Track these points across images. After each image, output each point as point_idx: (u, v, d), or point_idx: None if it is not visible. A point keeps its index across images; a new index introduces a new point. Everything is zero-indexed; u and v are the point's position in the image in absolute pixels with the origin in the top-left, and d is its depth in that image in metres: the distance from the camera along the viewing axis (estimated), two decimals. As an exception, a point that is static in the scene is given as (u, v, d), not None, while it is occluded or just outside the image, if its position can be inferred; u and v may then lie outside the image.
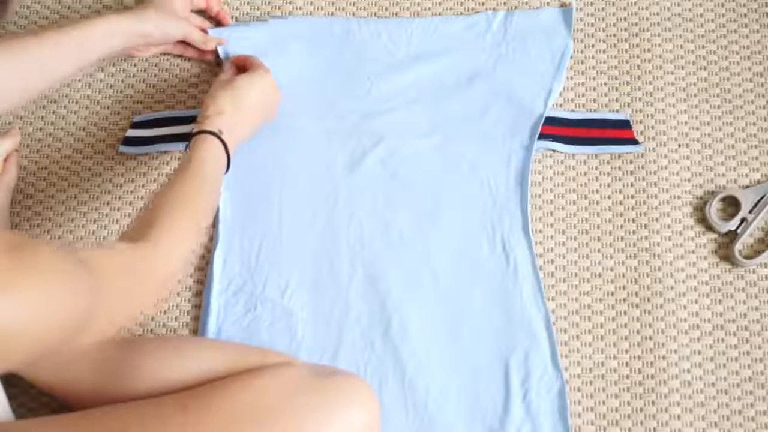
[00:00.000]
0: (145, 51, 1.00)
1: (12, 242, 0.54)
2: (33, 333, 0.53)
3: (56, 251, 0.57)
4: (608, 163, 0.97)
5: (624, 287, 0.93)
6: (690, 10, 1.04)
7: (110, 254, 0.65)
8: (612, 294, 0.93)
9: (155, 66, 1.03)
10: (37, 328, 0.53)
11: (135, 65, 1.04)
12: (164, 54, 1.03)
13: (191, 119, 1.00)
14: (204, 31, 1.01)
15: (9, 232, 0.57)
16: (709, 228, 0.94)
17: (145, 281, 0.69)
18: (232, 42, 1.02)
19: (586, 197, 0.96)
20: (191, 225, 0.76)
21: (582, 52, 1.02)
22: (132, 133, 1.00)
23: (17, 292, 0.52)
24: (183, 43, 1.00)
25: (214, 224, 0.95)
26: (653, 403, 0.89)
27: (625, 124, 0.99)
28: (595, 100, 1.00)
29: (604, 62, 1.02)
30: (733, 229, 0.93)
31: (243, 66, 0.95)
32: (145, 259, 0.69)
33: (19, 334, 0.52)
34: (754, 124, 0.99)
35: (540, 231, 0.95)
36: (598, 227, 0.95)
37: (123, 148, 0.99)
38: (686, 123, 0.99)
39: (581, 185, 0.97)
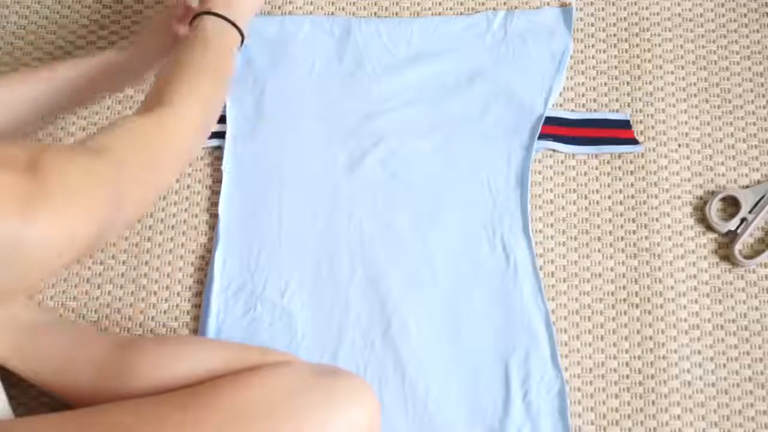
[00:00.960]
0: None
1: (30, 160, 0.54)
2: (62, 245, 0.54)
3: (73, 154, 0.58)
4: (608, 163, 0.97)
5: (624, 287, 0.93)
6: (690, 10, 1.04)
7: (127, 133, 0.65)
8: (612, 294, 0.93)
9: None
10: (65, 241, 0.54)
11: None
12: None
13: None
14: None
15: (25, 147, 0.56)
16: (709, 228, 0.94)
17: (165, 148, 0.68)
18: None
19: (586, 197, 0.96)
20: (206, 87, 0.75)
21: (582, 52, 1.02)
22: (132, 132, 1.00)
23: (38, 215, 0.52)
24: None
25: (215, 224, 0.95)
26: (653, 403, 0.89)
27: (625, 124, 0.99)
28: (595, 100, 1.00)
29: (604, 62, 1.02)
30: (733, 229, 0.94)
31: None
32: (162, 124, 0.68)
33: (48, 250, 0.52)
34: (754, 124, 0.99)
35: (540, 231, 0.95)
36: (598, 227, 0.95)
37: (123, 148, 0.99)
38: (686, 123, 0.99)
39: (581, 185, 0.97)
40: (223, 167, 0.97)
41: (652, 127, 0.99)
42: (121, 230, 0.62)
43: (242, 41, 0.84)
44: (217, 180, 0.97)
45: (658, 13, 1.03)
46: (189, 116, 0.72)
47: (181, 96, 0.71)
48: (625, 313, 0.92)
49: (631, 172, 0.97)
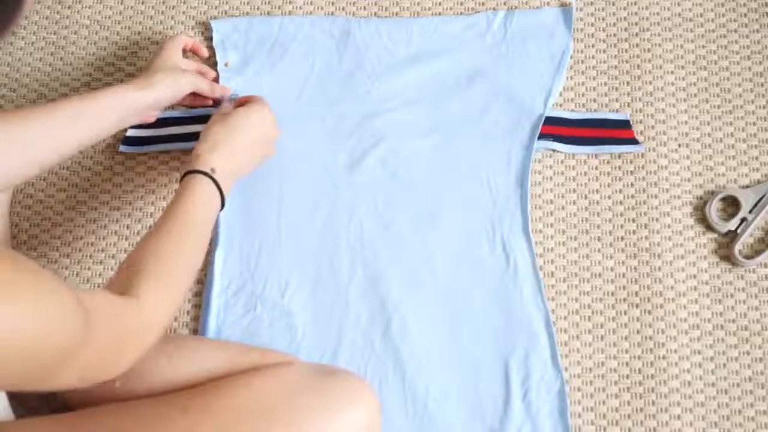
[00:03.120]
0: (155, 112, 0.94)
1: (14, 258, 0.54)
2: (26, 347, 0.52)
3: (55, 275, 0.57)
4: (608, 163, 0.97)
5: (624, 287, 0.93)
6: (690, 10, 1.04)
7: (100, 302, 0.63)
8: (612, 294, 0.93)
9: (155, 66, 1.03)
10: (29, 343, 0.53)
11: (134, 65, 1.04)
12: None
13: (191, 119, 1.00)
14: (201, 73, 0.99)
15: (10, 250, 0.57)
16: (709, 228, 0.94)
17: (128, 338, 0.66)
18: (231, 40, 1.03)
19: (586, 197, 0.96)
20: (177, 281, 0.73)
21: (582, 52, 1.02)
22: (132, 132, 1.00)
23: (19, 302, 0.52)
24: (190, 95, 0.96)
25: (215, 224, 0.95)
26: (653, 403, 0.89)
27: (625, 124, 0.99)
28: (595, 100, 1.00)
29: (604, 62, 1.02)
30: (733, 229, 0.94)
31: (245, 103, 0.92)
32: (130, 316, 0.66)
33: (14, 346, 0.51)
34: (754, 124, 0.99)
35: (540, 231, 0.95)
36: (598, 227, 0.95)
37: (123, 148, 0.99)
38: (686, 123, 0.99)
39: (581, 185, 0.97)
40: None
41: (652, 127, 0.99)
42: (62, 383, 0.60)
43: (222, 206, 0.82)
44: (217, 180, 0.97)
45: (658, 13, 1.03)
46: (155, 319, 0.69)
47: (149, 290, 0.69)
48: (625, 313, 0.92)
49: (631, 172, 0.97)
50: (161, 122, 1.00)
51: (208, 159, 0.82)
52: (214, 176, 0.81)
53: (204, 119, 0.99)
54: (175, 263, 0.74)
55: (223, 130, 0.85)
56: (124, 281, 0.69)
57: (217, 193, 0.81)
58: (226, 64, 1.02)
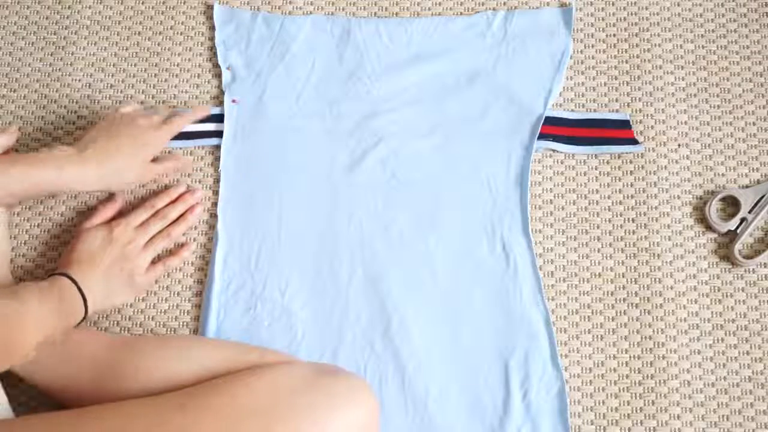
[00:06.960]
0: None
1: None
2: None
3: None
4: (608, 163, 0.97)
5: (624, 287, 0.93)
6: (690, 10, 1.04)
7: None
8: (612, 294, 0.93)
9: (155, 66, 1.03)
10: None
11: (135, 65, 1.04)
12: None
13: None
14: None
15: None
16: (709, 228, 0.94)
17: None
18: (232, 40, 1.03)
19: (586, 197, 0.96)
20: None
21: (582, 52, 1.02)
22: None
23: None
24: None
25: (215, 224, 0.96)
26: (653, 403, 0.89)
27: (625, 124, 0.99)
28: (595, 100, 1.00)
29: (604, 62, 1.02)
30: (732, 229, 0.94)
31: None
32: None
33: None
34: (754, 124, 0.99)
35: (540, 231, 0.95)
36: (598, 227, 0.95)
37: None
38: (686, 123, 0.99)
39: (581, 185, 0.97)
40: (220, 168, 0.97)
41: (652, 127, 0.99)
42: None
43: (84, 317, 0.83)
44: (218, 180, 0.97)
45: (658, 13, 1.04)
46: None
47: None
48: (624, 313, 0.92)
49: (631, 172, 0.97)
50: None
51: (70, 271, 0.84)
52: (83, 288, 0.83)
53: (209, 119, 0.99)
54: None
55: (76, 254, 0.87)
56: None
57: (83, 303, 0.83)
58: (228, 68, 1.02)
